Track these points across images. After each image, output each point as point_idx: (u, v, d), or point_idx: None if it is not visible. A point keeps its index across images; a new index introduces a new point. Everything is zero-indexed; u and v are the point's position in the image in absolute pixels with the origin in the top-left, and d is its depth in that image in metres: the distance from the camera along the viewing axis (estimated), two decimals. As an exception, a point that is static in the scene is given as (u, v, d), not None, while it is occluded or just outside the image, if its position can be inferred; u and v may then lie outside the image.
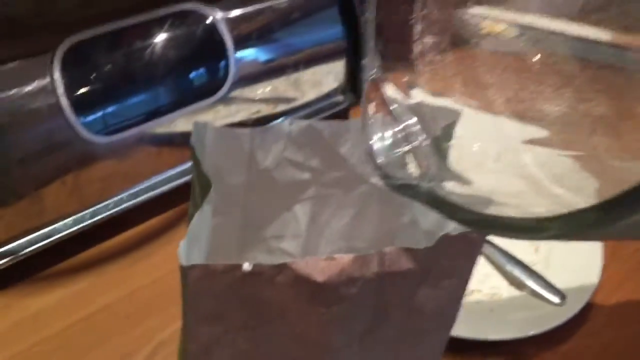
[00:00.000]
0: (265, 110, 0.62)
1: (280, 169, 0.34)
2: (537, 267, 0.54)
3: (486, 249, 0.56)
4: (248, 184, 0.34)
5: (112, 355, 0.47)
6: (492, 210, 0.19)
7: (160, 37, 0.52)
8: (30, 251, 0.50)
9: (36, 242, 0.50)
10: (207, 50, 0.55)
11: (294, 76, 0.61)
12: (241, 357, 0.28)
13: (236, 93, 0.58)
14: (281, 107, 0.63)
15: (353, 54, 0.65)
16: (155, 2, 0.53)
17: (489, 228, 0.20)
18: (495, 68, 0.27)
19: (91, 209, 0.52)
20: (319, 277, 0.25)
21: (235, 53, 0.56)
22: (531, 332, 0.48)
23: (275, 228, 0.36)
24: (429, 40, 0.28)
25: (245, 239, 0.35)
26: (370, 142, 0.26)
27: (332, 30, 0.64)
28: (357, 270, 0.26)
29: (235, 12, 0.57)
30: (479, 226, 0.20)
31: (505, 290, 0.54)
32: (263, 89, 0.60)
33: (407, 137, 0.27)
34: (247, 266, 0.25)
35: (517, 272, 0.54)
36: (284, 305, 0.26)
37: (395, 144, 0.26)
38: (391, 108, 0.27)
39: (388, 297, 0.28)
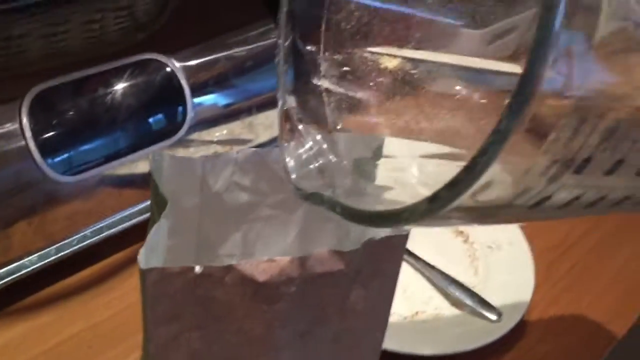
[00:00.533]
0: (222, 150, 0.66)
1: (229, 192, 0.37)
2: (476, 288, 0.59)
3: (429, 272, 0.60)
4: (201, 206, 0.37)
5: (77, 383, 0.49)
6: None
7: (122, 85, 0.56)
8: (-3, 286, 0.52)
9: (2, 278, 0.52)
10: (166, 96, 0.59)
11: (249, 119, 0.66)
12: (195, 357, 0.32)
13: (194, 135, 0.62)
14: (237, 148, 0.67)
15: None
16: (116, 53, 0.58)
17: (364, 220, 0.24)
18: (395, 96, 0.32)
19: (56, 245, 0.55)
20: (261, 277, 0.29)
21: (192, 98, 0.60)
22: (471, 347, 0.53)
23: (226, 247, 0.40)
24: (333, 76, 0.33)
25: (199, 258, 0.39)
26: (286, 161, 0.31)
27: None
28: (294, 270, 0.30)
29: (193, 62, 0.62)
30: (357, 219, 0.24)
31: (448, 310, 0.58)
32: (219, 132, 0.64)
33: (316, 156, 0.31)
34: (198, 268, 0.28)
35: (458, 293, 0.58)
36: (231, 303, 0.30)
37: (307, 161, 0.31)
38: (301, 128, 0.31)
39: (324, 297, 0.32)
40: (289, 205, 0.39)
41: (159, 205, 0.32)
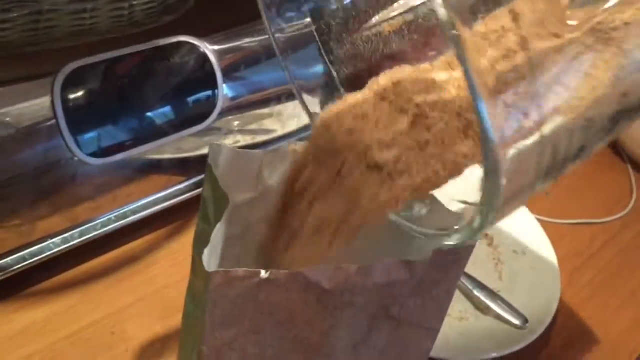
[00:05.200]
0: (244, 140, 0.65)
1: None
2: (501, 293, 0.58)
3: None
4: (252, 200, 0.36)
5: (99, 370, 0.48)
6: None
7: (155, 66, 0.55)
8: (20, 268, 0.51)
9: (26, 260, 0.51)
10: (199, 80, 0.58)
11: (277, 108, 0.65)
12: (247, 360, 0.31)
13: (219, 123, 0.61)
14: (260, 138, 0.66)
15: (328, 91, 0.69)
16: (141, 34, 0.56)
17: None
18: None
19: (80, 229, 0.54)
20: (327, 284, 0.28)
21: (223, 84, 0.59)
22: (494, 355, 0.52)
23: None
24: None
25: (246, 251, 0.38)
26: None
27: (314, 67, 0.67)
28: (360, 279, 0.29)
29: (224, 46, 0.60)
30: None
31: (472, 314, 0.57)
32: (245, 120, 0.63)
33: None
34: (264, 273, 0.27)
35: (483, 297, 0.57)
36: (293, 310, 0.29)
37: None
38: None
39: (384, 306, 0.31)
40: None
41: (219, 201, 0.31)
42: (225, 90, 0.59)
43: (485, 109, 0.21)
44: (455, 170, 0.31)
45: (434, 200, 0.32)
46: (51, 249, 0.52)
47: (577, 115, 0.26)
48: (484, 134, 0.22)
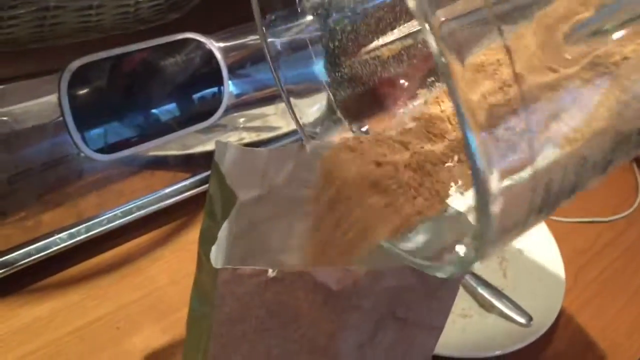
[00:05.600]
0: (249, 137, 0.65)
1: (288, 186, 0.37)
2: (505, 291, 0.58)
3: (459, 272, 0.59)
4: (258, 199, 0.36)
5: (105, 364, 0.48)
6: None
7: (162, 63, 0.55)
8: (26, 263, 0.51)
9: (32, 255, 0.52)
10: (205, 76, 0.58)
11: (282, 106, 0.65)
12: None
13: (224, 120, 0.61)
14: (265, 135, 0.66)
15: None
16: (147, 32, 0.56)
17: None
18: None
19: (86, 224, 0.54)
20: (335, 286, 0.28)
21: (229, 81, 0.59)
22: (497, 352, 0.52)
23: (277, 241, 0.39)
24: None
25: (249, 250, 0.38)
26: None
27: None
28: (369, 282, 0.29)
29: (230, 43, 0.60)
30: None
31: (476, 311, 0.57)
32: (250, 117, 0.63)
33: None
34: (271, 271, 0.27)
35: (487, 295, 0.57)
36: (299, 310, 0.29)
37: None
38: None
39: (391, 309, 0.31)
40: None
41: (226, 199, 0.31)
42: (230, 87, 0.59)
43: (475, 142, 0.21)
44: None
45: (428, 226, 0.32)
46: (57, 244, 0.53)
47: (572, 151, 0.25)
48: (473, 168, 0.21)
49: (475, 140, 0.21)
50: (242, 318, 0.29)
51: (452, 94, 0.21)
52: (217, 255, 0.28)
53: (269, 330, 0.30)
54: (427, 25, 0.21)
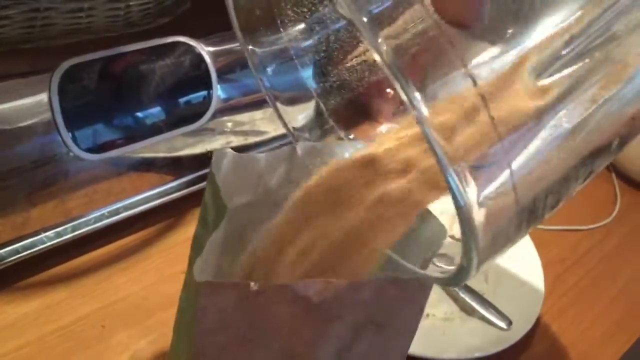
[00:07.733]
0: (236, 141, 0.66)
1: (280, 188, 0.37)
2: (486, 296, 0.59)
3: (441, 277, 0.60)
4: (251, 203, 0.37)
5: (89, 363, 0.49)
6: None
7: (151, 65, 0.55)
8: (12, 261, 0.52)
9: (18, 253, 0.52)
10: (193, 79, 0.58)
11: (270, 110, 0.66)
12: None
13: (212, 123, 0.62)
14: (253, 139, 0.67)
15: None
16: (137, 35, 0.57)
17: None
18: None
19: (73, 223, 0.55)
20: (316, 298, 0.29)
21: (218, 85, 0.60)
22: (477, 354, 0.53)
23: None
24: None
25: (237, 254, 0.38)
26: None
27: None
28: (350, 294, 0.29)
29: (220, 47, 0.61)
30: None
31: (457, 315, 0.58)
32: (238, 121, 0.64)
33: None
34: (254, 285, 0.28)
35: (469, 299, 0.59)
36: (279, 322, 0.29)
37: None
38: None
39: (371, 319, 0.32)
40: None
41: (218, 210, 0.31)
42: (219, 91, 0.60)
43: (453, 174, 0.22)
44: None
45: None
46: (44, 243, 0.53)
47: (550, 173, 0.27)
48: (454, 198, 0.22)
49: (452, 171, 0.22)
50: (223, 329, 0.29)
51: (420, 122, 0.22)
52: (201, 267, 0.28)
53: (250, 341, 0.30)
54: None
